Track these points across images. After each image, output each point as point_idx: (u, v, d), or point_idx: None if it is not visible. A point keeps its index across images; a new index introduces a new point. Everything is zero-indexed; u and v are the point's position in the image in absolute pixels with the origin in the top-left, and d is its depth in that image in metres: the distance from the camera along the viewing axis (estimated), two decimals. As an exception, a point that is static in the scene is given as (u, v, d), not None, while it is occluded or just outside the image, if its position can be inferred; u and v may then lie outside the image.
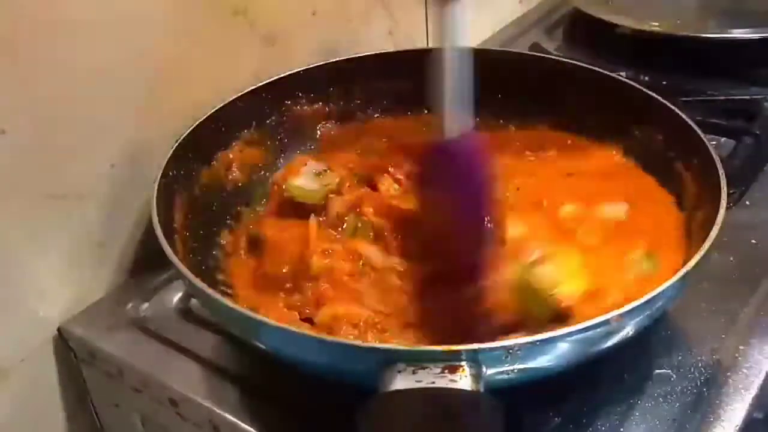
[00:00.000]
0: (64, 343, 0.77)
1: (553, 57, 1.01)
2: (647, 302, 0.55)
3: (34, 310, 0.75)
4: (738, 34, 1.07)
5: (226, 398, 0.66)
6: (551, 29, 1.26)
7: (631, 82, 0.84)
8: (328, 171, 0.79)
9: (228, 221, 0.80)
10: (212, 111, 0.80)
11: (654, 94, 0.80)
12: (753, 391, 0.63)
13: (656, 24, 1.10)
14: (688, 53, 1.06)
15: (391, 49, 0.94)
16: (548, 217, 0.74)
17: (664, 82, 0.98)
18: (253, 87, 0.84)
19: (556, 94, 0.89)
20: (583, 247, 0.69)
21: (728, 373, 0.65)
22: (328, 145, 0.89)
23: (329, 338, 0.58)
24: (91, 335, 0.75)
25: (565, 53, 1.13)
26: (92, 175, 0.76)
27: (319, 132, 0.91)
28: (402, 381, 0.50)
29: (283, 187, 0.78)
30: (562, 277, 0.63)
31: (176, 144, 0.75)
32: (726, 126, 0.92)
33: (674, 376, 0.65)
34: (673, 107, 0.78)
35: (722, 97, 0.99)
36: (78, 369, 0.78)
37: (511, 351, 0.52)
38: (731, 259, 0.76)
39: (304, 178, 0.78)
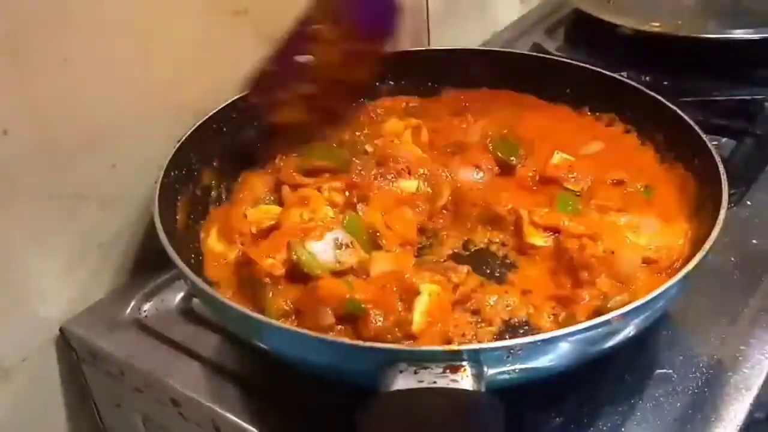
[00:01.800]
0: (65, 342, 0.77)
1: (553, 57, 1.01)
2: (648, 302, 0.55)
3: (35, 310, 0.75)
4: (738, 34, 1.07)
5: (227, 398, 0.66)
6: (552, 29, 1.26)
7: (632, 83, 0.84)
8: (351, 246, 0.68)
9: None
10: (213, 111, 0.80)
11: (655, 95, 0.80)
12: (754, 390, 0.63)
13: (657, 24, 1.10)
14: (689, 53, 1.06)
15: (393, 50, 0.94)
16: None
17: (665, 83, 0.98)
18: (254, 87, 0.84)
19: (556, 94, 0.89)
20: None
21: (729, 373, 0.65)
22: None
23: (330, 338, 0.58)
24: (93, 335, 0.75)
25: (565, 53, 1.12)
26: (93, 175, 0.76)
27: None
28: (403, 381, 0.50)
29: (293, 249, 0.67)
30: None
31: (178, 144, 0.75)
32: (727, 126, 0.92)
33: (675, 375, 0.65)
34: (674, 107, 0.78)
35: (723, 98, 0.99)
36: (79, 369, 0.79)
37: (512, 351, 0.52)
38: (732, 259, 0.76)
39: (323, 245, 0.68)
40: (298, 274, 0.66)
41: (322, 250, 0.67)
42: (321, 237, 0.68)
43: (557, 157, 0.80)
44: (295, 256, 0.66)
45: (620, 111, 0.85)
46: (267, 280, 0.66)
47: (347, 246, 0.68)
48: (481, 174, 0.80)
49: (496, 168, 0.81)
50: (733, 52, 1.07)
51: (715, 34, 1.09)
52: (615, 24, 1.12)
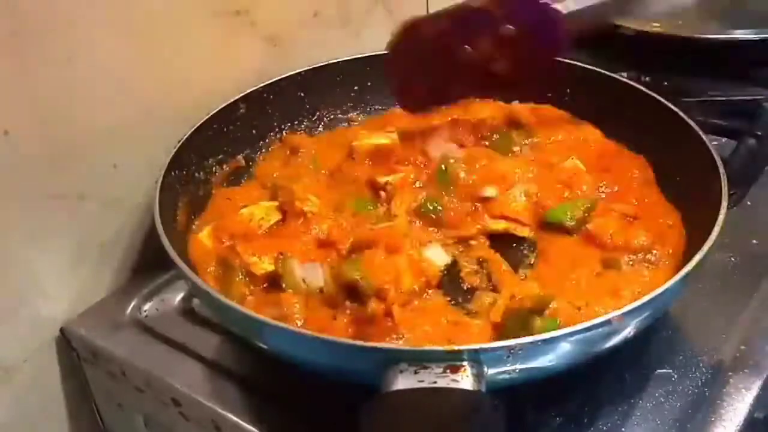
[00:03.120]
0: (66, 343, 0.77)
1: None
2: (648, 302, 0.56)
3: (36, 310, 0.75)
4: (739, 34, 1.07)
5: (228, 398, 0.67)
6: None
7: (632, 83, 0.84)
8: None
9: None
10: (214, 111, 0.80)
11: (655, 95, 0.80)
12: (754, 390, 0.63)
13: (657, 25, 1.10)
14: (689, 53, 1.06)
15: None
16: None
17: (666, 83, 0.98)
18: (255, 87, 0.85)
19: (556, 95, 0.89)
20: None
21: (729, 373, 0.65)
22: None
23: (331, 338, 0.58)
24: (94, 335, 0.75)
25: (566, 54, 1.12)
26: (95, 175, 0.76)
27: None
28: (404, 381, 0.51)
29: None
30: None
31: (178, 145, 0.75)
32: (727, 127, 0.92)
33: (675, 375, 0.65)
34: (674, 108, 0.78)
35: (723, 98, 0.99)
36: (81, 369, 0.79)
37: (512, 351, 0.52)
38: (732, 259, 0.76)
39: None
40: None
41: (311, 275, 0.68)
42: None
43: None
44: (281, 271, 0.68)
45: (620, 111, 0.85)
46: (237, 263, 0.68)
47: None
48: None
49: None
50: (733, 52, 1.07)
51: (715, 34, 1.09)
52: (616, 24, 1.12)
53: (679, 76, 1.02)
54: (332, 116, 0.92)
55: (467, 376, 0.51)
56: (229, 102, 0.82)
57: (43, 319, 0.76)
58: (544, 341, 0.53)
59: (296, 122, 0.90)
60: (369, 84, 0.93)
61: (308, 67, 0.88)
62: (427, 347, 0.54)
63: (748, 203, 0.84)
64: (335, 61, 0.90)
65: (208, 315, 0.75)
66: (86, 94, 0.72)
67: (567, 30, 0.74)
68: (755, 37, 1.05)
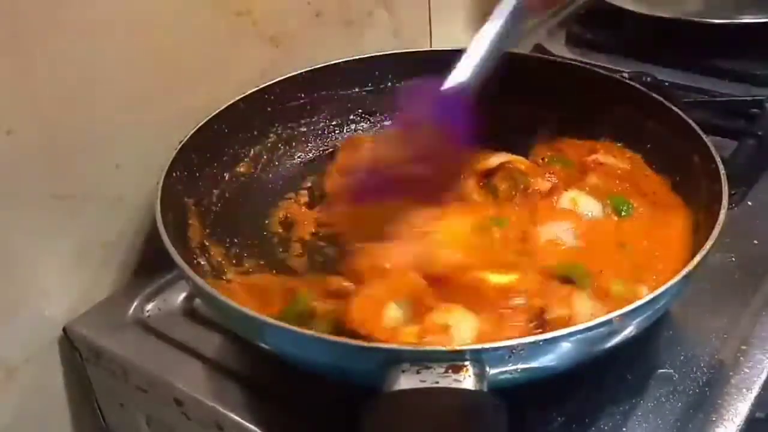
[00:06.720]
0: (69, 342, 0.78)
1: (554, 58, 1.01)
2: (649, 302, 0.56)
3: (39, 310, 0.75)
4: (746, 19, 1.07)
5: (230, 398, 0.67)
6: (554, 31, 1.26)
7: (633, 83, 0.84)
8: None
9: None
10: (215, 112, 0.80)
11: (655, 95, 0.81)
12: (755, 390, 0.64)
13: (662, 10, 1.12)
14: (696, 41, 1.06)
15: (395, 50, 0.94)
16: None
17: (666, 83, 0.98)
18: (256, 88, 0.85)
19: (557, 96, 0.89)
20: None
21: (730, 373, 0.65)
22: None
23: (332, 338, 0.58)
24: (96, 335, 0.75)
25: (567, 55, 1.13)
26: (97, 175, 0.76)
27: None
28: (406, 381, 0.51)
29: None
30: None
31: (180, 145, 0.75)
32: (728, 126, 0.92)
33: (676, 375, 0.65)
34: (674, 108, 0.78)
35: (723, 98, 0.99)
36: (83, 369, 0.79)
37: (514, 351, 0.52)
38: (733, 259, 0.76)
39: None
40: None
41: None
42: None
43: None
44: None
45: (620, 111, 0.85)
46: None
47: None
48: None
49: None
50: (741, 36, 1.07)
51: (721, 19, 1.09)
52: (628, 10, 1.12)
53: (680, 76, 1.02)
54: (333, 117, 0.92)
55: (469, 376, 0.51)
56: (230, 103, 0.82)
57: (45, 319, 0.76)
58: (545, 341, 0.53)
59: (297, 123, 0.90)
60: (370, 85, 0.93)
61: (309, 68, 0.88)
62: (429, 347, 0.55)
63: (749, 203, 0.84)
64: (336, 62, 0.90)
65: (210, 315, 0.75)
66: (88, 94, 0.73)
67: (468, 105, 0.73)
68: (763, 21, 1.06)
